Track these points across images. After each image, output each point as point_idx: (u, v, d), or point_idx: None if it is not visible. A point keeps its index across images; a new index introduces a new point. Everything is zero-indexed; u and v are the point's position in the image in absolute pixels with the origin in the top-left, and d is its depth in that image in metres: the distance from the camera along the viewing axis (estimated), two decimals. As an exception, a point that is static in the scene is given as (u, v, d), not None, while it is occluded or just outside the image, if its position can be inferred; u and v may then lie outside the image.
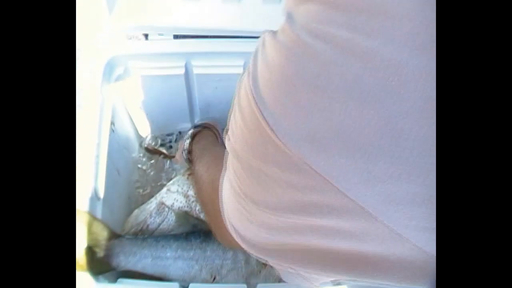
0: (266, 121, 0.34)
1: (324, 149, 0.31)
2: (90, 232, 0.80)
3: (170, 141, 1.16)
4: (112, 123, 0.92)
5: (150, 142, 1.14)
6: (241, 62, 0.92)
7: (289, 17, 0.34)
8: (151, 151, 1.13)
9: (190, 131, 0.95)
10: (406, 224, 0.30)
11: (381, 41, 0.28)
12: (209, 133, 0.96)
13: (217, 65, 0.92)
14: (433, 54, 0.27)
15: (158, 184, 1.09)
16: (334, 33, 0.30)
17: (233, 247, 0.61)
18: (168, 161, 1.12)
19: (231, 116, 0.42)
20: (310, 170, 0.32)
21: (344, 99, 0.29)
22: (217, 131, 0.97)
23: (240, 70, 0.93)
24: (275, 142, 0.33)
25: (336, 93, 0.30)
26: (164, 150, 1.13)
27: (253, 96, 0.35)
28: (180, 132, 1.15)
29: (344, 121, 0.29)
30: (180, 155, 0.97)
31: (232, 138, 0.41)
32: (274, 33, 0.36)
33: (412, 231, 0.30)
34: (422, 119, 0.28)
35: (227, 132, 0.43)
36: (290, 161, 0.33)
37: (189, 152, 0.92)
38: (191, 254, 0.83)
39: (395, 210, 0.30)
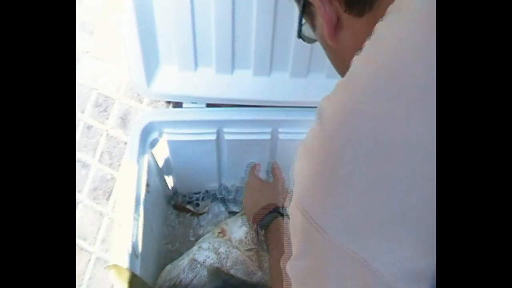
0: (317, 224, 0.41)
1: (361, 234, 0.38)
2: (131, 288, 0.86)
3: (197, 199, 1.23)
4: (148, 185, 1.00)
5: (178, 200, 1.21)
6: (268, 130, 1.01)
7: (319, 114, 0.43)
8: (180, 208, 1.20)
9: (262, 221, 0.93)
10: None
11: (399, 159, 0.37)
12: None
13: (247, 132, 1.01)
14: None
15: (186, 240, 1.16)
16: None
17: None
18: (196, 218, 1.19)
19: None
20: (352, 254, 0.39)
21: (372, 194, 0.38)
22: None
23: (268, 137, 1.01)
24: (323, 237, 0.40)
25: (365, 190, 0.38)
26: (191, 208, 1.20)
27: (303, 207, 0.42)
28: (207, 191, 1.22)
29: (373, 211, 0.38)
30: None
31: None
32: (304, 143, 0.44)
33: None
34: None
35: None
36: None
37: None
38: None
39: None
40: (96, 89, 1.44)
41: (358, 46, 0.52)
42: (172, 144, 1.05)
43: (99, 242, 1.27)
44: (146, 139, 1.01)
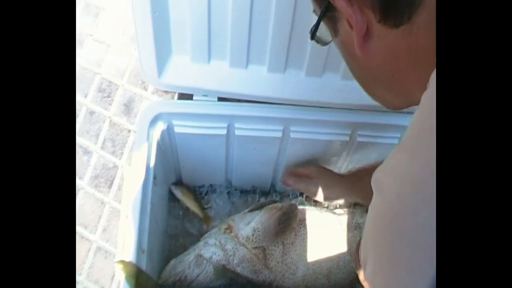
0: None
1: None
2: (137, 283, 0.84)
3: (201, 193, 1.21)
4: (155, 177, 0.98)
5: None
6: (280, 127, 0.99)
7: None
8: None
9: None
10: None
11: None
12: None
13: (258, 128, 0.99)
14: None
15: (190, 234, 1.14)
16: None
17: None
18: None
19: None
20: None
21: None
22: None
23: (279, 135, 1.00)
24: None
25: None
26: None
27: None
28: (211, 185, 1.21)
29: None
30: None
31: None
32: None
33: None
34: None
35: None
36: None
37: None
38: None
39: None
40: (100, 74, 1.41)
41: (389, 59, 0.52)
42: (180, 137, 1.03)
43: (100, 231, 1.26)
44: (154, 130, 0.99)
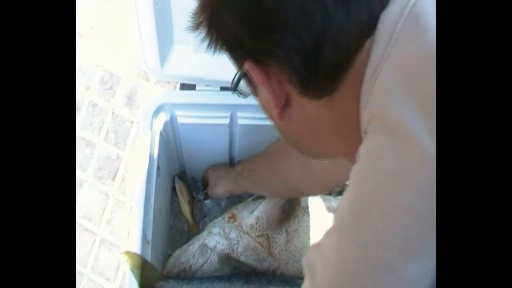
0: None
1: None
2: (142, 274, 0.85)
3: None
4: (158, 168, 0.98)
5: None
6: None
7: None
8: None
9: None
10: None
11: None
12: None
13: (261, 117, 0.98)
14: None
15: (191, 223, 1.14)
16: None
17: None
18: (201, 202, 1.17)
19: None
20: None
21: None
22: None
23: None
24: None
25: None
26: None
27: None
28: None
29: None
30: None
31: None
32: None
33: None
34: None
35: None
36: None
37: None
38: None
39: None
40: (102, 66, 1.41)
41: (313, 126, 0.52)
42: (183, 127, 1.02)
43: (104, 223, 1.26)
44: (157, 121, 0.99)
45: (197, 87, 1.00)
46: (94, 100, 1.38)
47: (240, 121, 1.00)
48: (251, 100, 0.97)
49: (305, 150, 0.61)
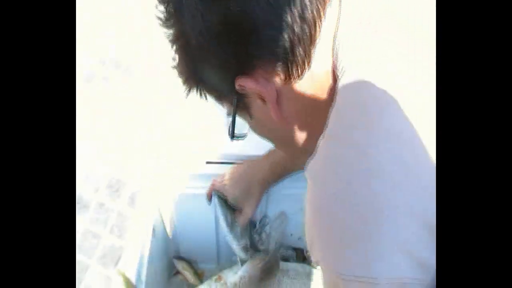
0: None
1: None
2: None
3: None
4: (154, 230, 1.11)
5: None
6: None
7: None
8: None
9: None
10: None
11: None
12: None
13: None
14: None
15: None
16: None
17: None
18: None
19: None
20: None
21: None
22: None
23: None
24: None
25: None
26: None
27: None
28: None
29: None
30: None
31: None
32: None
33: None
34: None
35: None
36: None
37: None
38: None
39: None
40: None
41: (307, 110, 0.57)
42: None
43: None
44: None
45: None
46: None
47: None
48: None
49: (311, 144, 0.59)
